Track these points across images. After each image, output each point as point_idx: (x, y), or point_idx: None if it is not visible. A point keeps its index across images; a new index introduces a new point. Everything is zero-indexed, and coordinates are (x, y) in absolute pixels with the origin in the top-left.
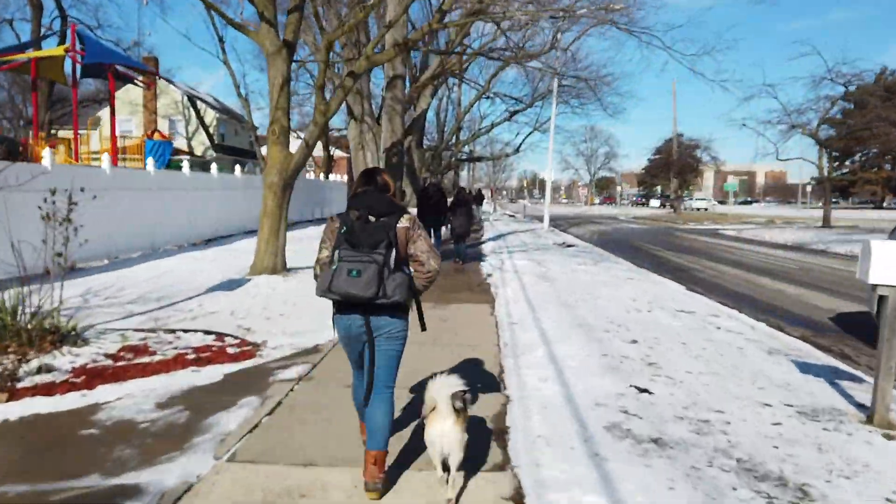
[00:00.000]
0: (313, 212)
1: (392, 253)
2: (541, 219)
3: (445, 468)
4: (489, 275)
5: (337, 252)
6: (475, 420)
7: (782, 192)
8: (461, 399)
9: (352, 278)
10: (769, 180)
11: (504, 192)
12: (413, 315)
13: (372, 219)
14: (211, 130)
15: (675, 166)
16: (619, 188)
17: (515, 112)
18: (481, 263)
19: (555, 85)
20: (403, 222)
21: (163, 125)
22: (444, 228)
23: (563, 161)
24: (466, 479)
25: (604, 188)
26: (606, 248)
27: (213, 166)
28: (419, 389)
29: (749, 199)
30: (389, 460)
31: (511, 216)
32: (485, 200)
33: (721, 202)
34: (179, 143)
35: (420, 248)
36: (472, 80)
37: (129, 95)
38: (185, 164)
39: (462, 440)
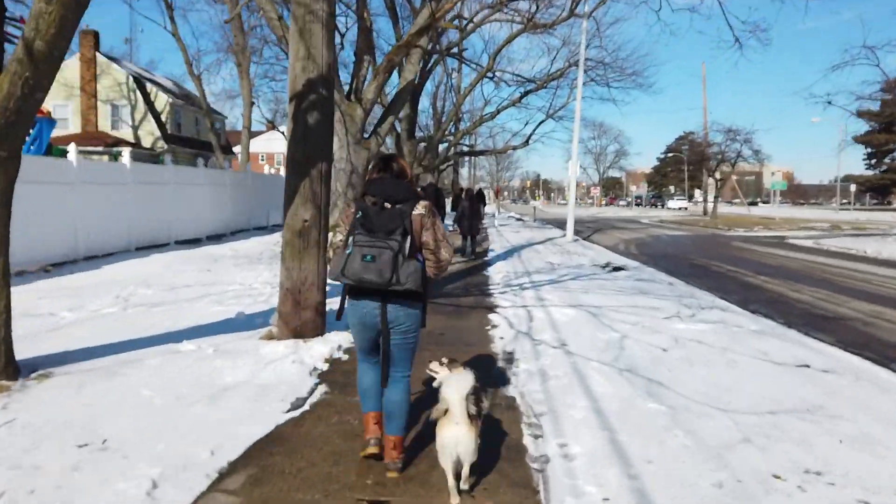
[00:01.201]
0: (268, 216)
1: (407, 240)
2: (556, 224)
3: (457, 475)
4: (509, 355)
5: (352, 237)
6: None
7: (793, 192)
8: (476, 403)
9: (366, 263)
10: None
11: (506, 193)
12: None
13: (388, 205)
14: (164, 118)
15: (709, 162)
16: (633, 188)
17: (526, 93)
18: (490, 315)
19: (581, 50)
20: (419, 209)
21: (104, 111)
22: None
23: (569, 160)
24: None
25: (609, 188)
26: (668, 271)
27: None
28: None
29: (756, 199)
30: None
31: (519, 220)
32: (487, 202)
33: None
34: (124, 132)
35: (433, 236)
36: (473, 60)
37: (65, 76)
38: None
39: (476, 447)
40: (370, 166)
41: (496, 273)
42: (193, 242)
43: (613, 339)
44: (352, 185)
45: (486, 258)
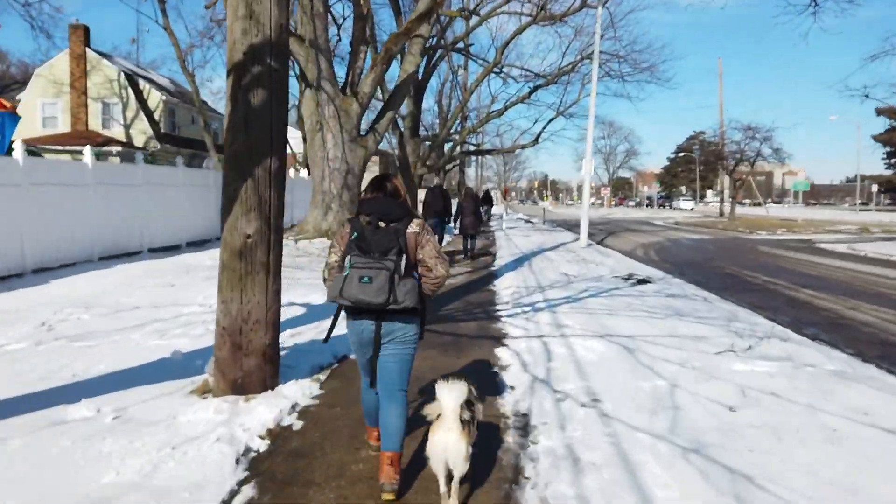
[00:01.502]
0: None
1: (403, 259)
2: (567, 226)
3: (449, 479)
4: (523, 420)
5: (348, 258)
6: None
7: (804, 192)
8: (469, 410)
9: (363, 285)
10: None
11: (513, 194)
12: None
13: (382, 224)
14: (157, 116)
15: (726, 161)
16: (645, 188)
17: (536, 89)
18: (497, 350)
19: (596, 39)
20: (413, 227)
21: (95, 110)
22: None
23: (578, 160)
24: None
25: (618, 189)
26: (698, 283)
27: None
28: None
29: (768, 199)
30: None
31: (528, 222)
32: (494, 203)
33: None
34: (116, 131)
35: (429, 253)
36: (479, 56)
37: (54, 73)
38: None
39: (467, 454)
40: (364, 187)
41: (504, 288)
42: (171, 250)
43: (660, 391)
44: (347, 186)
45: (492, 267)
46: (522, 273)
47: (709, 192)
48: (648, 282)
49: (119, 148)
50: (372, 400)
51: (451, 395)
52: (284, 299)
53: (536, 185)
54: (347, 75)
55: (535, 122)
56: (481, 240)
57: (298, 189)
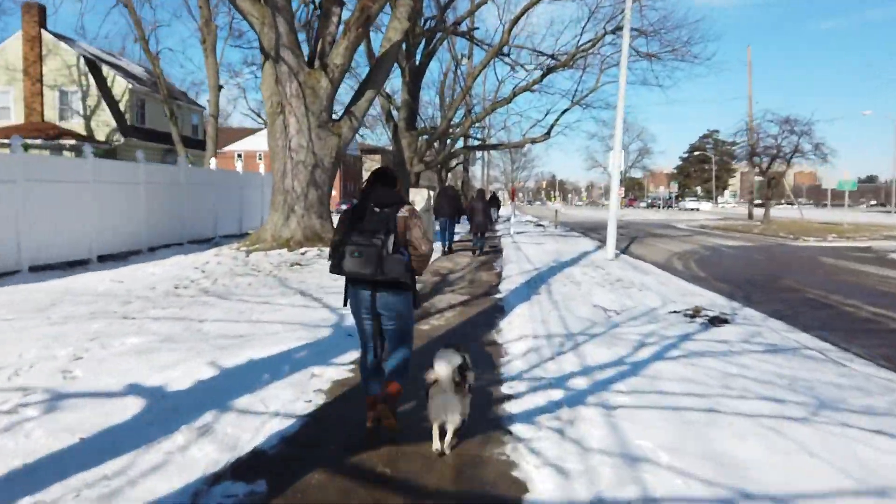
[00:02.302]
0: (216, 225)
1: (390, 238)
2: (582, 230)
3: (442, 435)
4: None
5: (347, 237)
6: None
7: (814, 194)
8: (461, 373)
9: (355, 258)
10: (798, 181)
11: (520, 195)
12: None
13: (377, 210)
14: (122, 107)
15: (759, 157)
16: (661, 188)
17: (549, 71)
18: None
19: (628, 5)
20: (403, 212)
21: (51, 98)
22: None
23: (589, 158)
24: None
25: (628, 189)
26: (784, 317)
27: None
28: None
29: (781, 200)
30: None
31: (538, 225)
32: (501, 204)
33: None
34: (75, 123)
35: (415, 234)
36: (485, 42)
37: (7, 58)
38: None
39: (460, 412)
40: (366, 178)
41: (514, 339)
42: (71, 267)
43: None
44: (315, 183)
45: (497, 294)
46: (540, 306)
47: (725, 193)
48: (724, 321)
49: (73, 141)
50: (370, 364)
51: (446, 363)
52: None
53: (544, 186)
54: (315, 44)
55: (547, 113)
56: (489, 245)
57: (251, 189)
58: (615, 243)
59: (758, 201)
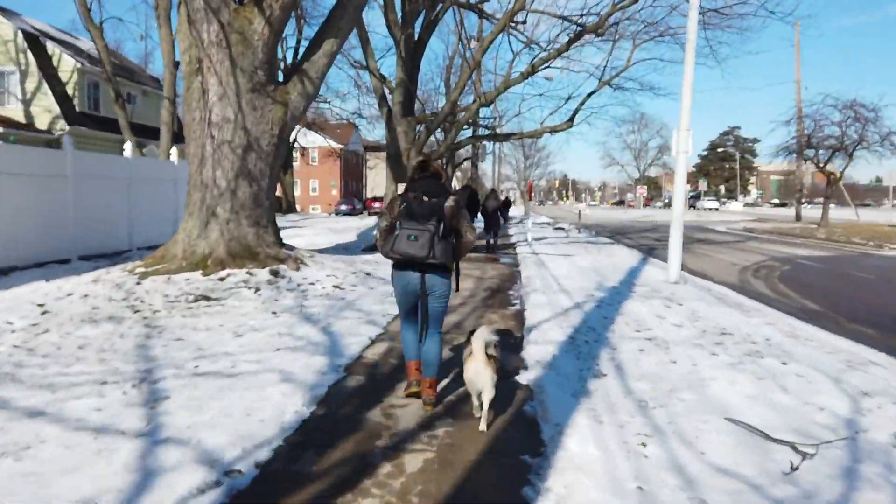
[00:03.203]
0: (131, 232)
1: (441, 225)
2: (607, 232)
3: (480, 405)
4: None
5: (399, 223)
6: None
7: (836, 194)
8: (493, 347)
9: (410, 241)
10: (816, 180)
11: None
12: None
13: (426, 199)
14: (70, 91)
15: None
16: (690, 187)
17: (578, 36)
18: None
19: None
20: (450, 202)
21: None
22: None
23: (606, 156)
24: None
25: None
26: None
27: None
28: None
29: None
30: None
31: (557, 228)
32: (513, 204)
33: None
34: (11, 109)
35: (461, 223)
36: (495, 17)
37: None
38: None
39: (492, 381)
40: (411, 170)
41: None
42: None
43: None
44: (248, 174)
45: (520, 390)
46: (618, 431)
47: (752, 191)
48: None
49: (1, 130)
50: (410, 337)
51: (480, 337)
52: None
53: (557, 185)
54: None
55: (569, 98)
56: (502, 260)
57: (149, 185)
58: (679, 259)
59: (774, 200)
